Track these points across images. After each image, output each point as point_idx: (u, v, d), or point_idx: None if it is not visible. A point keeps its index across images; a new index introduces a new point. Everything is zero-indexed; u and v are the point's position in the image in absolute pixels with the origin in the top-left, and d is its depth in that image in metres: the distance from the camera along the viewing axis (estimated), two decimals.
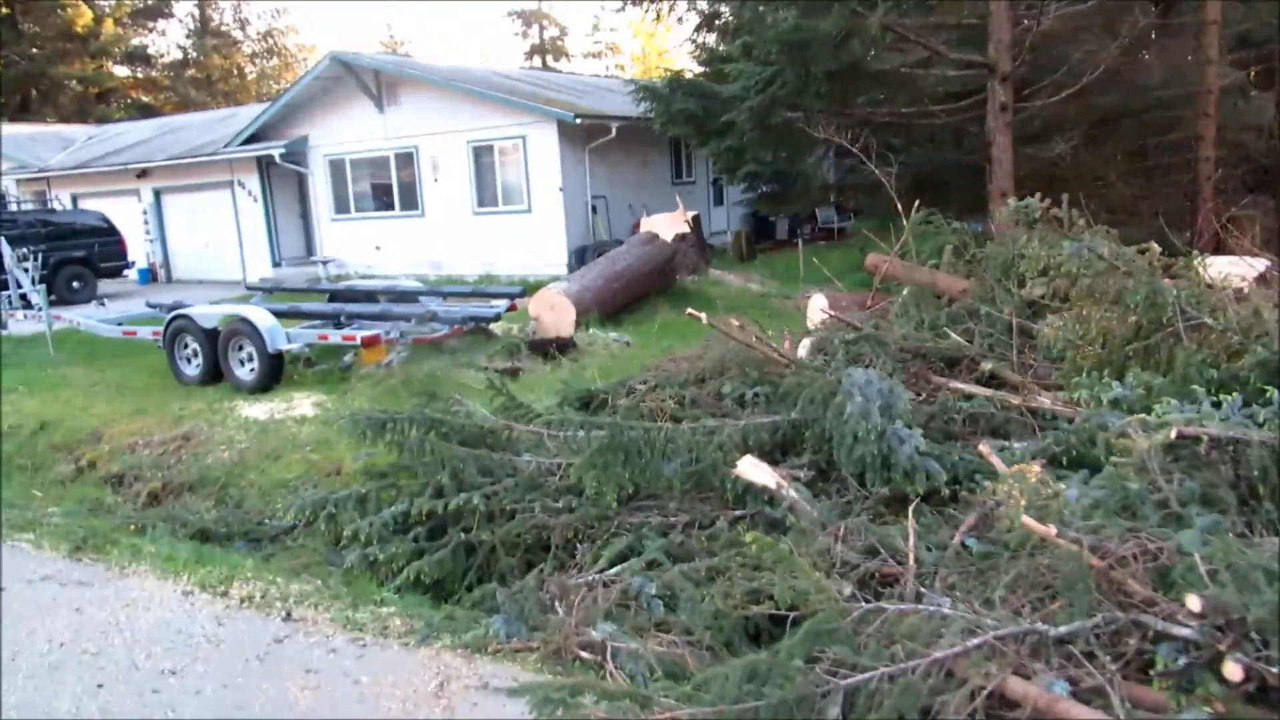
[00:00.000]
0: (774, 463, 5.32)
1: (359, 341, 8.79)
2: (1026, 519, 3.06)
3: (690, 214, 14.18)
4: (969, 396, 5.70)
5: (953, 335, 6.93)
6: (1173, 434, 3.35)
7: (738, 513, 4.83)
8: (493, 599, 4.11)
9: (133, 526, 5.42)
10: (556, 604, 3.84)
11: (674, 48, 42.02)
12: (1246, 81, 14.82)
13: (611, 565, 4.44)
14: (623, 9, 17.23)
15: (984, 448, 4.52)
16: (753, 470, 4.42)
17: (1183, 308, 4.93)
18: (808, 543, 3.97)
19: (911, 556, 3.42)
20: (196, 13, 45.81)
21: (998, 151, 11.96)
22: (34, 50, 37.96)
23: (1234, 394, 3.96)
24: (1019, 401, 5.23)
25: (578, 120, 15.68)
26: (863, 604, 3.05)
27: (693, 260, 14.22)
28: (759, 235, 20.27)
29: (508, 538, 4.84)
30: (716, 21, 9.89)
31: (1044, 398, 5.19)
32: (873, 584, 3.67)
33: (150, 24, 45.01)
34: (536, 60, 51.28)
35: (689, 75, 13.48)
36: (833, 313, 6.73)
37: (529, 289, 11.13)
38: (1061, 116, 13.18)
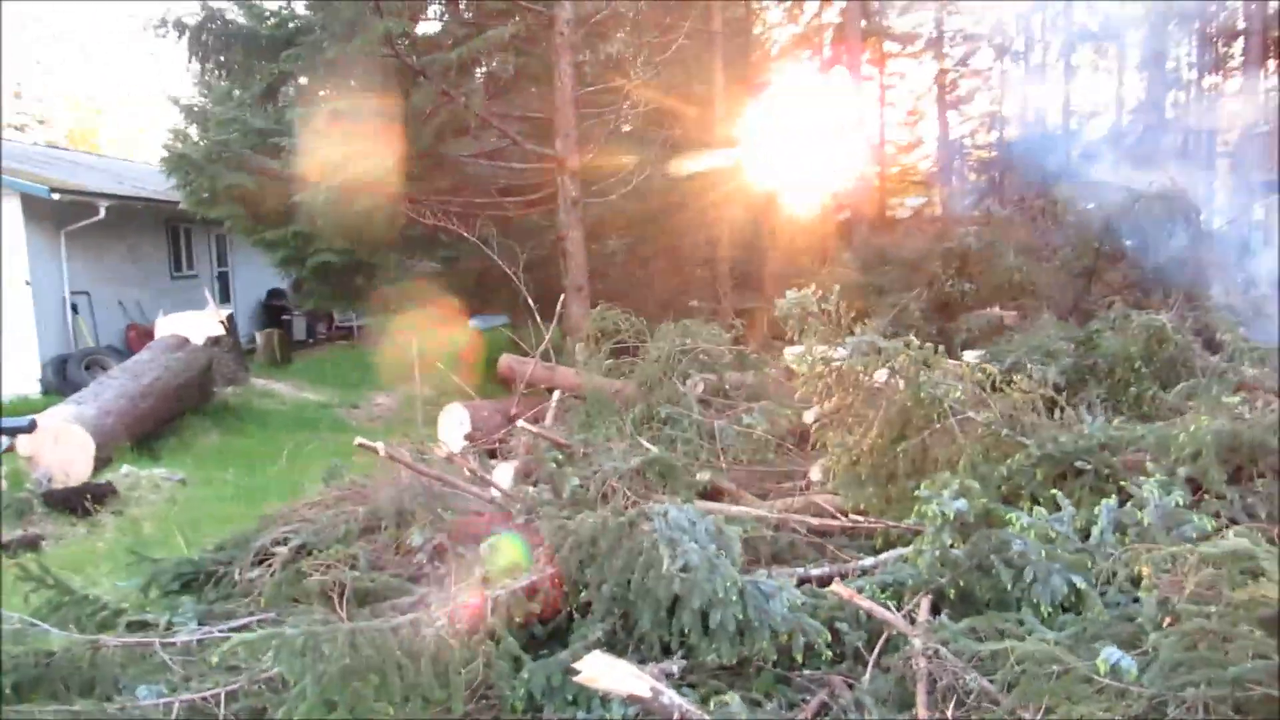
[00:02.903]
0: (533, 638, 4.03)
1: None
2: None
3: (224, 312, 11.77)
4: (729, 519, 4.94)
5: (647, 445, 6.18)
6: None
7: None
8: None
9: None
10: None
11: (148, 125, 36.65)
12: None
13: None
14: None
15: (842, 588, 3.73)
16: (607, 674, 3.06)
17: (951, 405, 4.72)
18: None
19: None
20: None
21: (571, 246, 11.80)
22: None
23: (1110, 497, 3.68)
24: (817, 522, 4.56)
25: (54, 195, 12.21)
26: None
27: (230, 368, 11.75)
28: None
29: None
30: (282, 89, 8.13)
31: (857, 516, 4.58)
32: None
33: None
34: None
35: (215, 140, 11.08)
36: (533, 429, 5.52)
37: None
38: (612, 217, 13.56)
